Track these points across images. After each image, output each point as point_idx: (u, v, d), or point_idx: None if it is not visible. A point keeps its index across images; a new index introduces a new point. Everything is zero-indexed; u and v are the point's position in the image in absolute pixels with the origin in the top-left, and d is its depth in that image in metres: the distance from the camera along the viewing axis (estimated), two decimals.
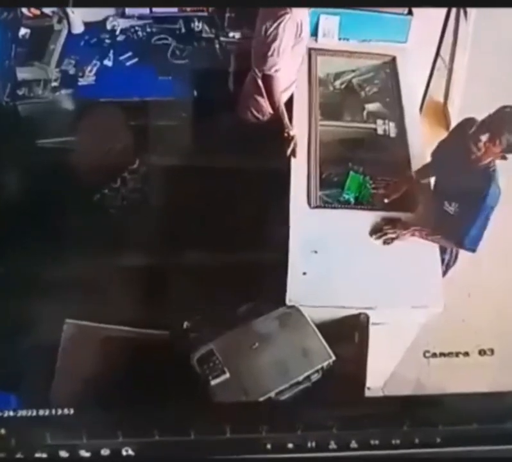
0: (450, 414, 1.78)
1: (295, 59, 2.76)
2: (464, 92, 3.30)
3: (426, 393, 2.00)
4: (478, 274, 2.95)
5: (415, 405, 1.82)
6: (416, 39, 3.11)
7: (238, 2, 2.76)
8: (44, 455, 1.68)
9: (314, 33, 3.15)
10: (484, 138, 2.30)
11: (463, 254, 2.61)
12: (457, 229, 2.44)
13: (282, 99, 2.72)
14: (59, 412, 1.73)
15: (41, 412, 1.73)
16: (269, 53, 2.60)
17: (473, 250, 2.46)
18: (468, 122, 2.42)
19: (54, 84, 3.06)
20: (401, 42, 3.14)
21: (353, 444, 1.74)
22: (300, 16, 2.62)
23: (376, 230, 2.47)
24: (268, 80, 2.67)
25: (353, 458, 1.75)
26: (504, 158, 2.32)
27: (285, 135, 2.63)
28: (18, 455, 1.67)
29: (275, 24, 2.55)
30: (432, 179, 2.58)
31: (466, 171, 2.37)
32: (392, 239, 2.44)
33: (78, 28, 3.26)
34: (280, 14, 2.55)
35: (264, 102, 2.78)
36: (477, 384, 1.94)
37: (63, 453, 1.68)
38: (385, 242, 2.44)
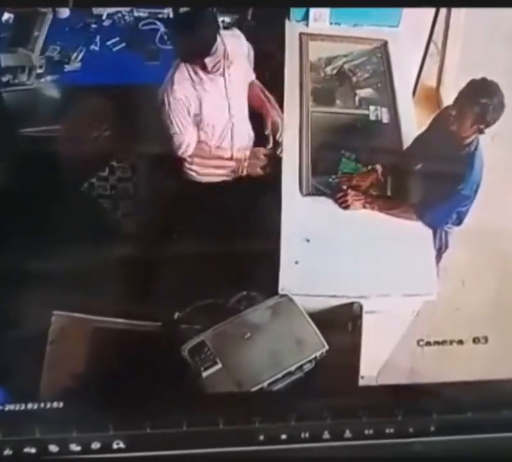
0: (444, 402, 1.78)
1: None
2: (457, 77, 3.29)
3: (420, 381, 2.00)
4: (472, 262, 2.95)
5: (409, 394, 1.82)
6: (408, 23, 3.08)
7: (238, 2, 2.67)
8: (33, 450, 1.66)
9: (305, 17, 3.12)
10: (454, 112, 2.35)
11: (457, 242, 2.61)
12: (424, 203, 2.48)
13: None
14: (49, 405, 1.71)
15: (30, 406, 1.71)
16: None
17: (433, 227, 2.49)
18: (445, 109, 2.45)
19: (39, 70, 3.00)
20: (393, 26, 3.10)
21: (347, 434, 1.74)
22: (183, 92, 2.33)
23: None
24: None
25: (347, 448, 1.75)
26: (481, 132, 2.33)
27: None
28: (7, 451, 1.65)
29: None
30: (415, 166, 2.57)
31: (447, 156, 2.37)
32: (347, 206, 2.48)
33: (63, 13, 3.21)
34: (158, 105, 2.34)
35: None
36: (471, 372, 1.95)
37: (53, 448, 1.66)
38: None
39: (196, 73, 2.25)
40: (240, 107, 2.37)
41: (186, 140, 2.32)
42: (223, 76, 2.30)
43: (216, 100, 2.33)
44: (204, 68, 2.27)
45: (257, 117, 2.45)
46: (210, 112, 2.32)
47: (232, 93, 2.33)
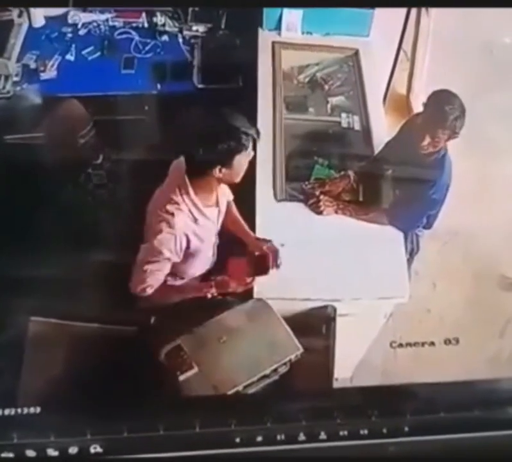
0: (418, 403, 1.79)
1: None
2: (426, 84, 3.34)
3: (393, 382, 2.01)
4: (443, 264, 2.99)
5: (383, 395, 1.83)
6: (379, 32, 3.13)
7: (237, 2, 2.67)
8: (11, 455, 1.66)
9: (278, 26, 3.16)
10: (419, 121, 2.42)
11: (428, 245, 2.64)
12: (395, 208, 2.53)
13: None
14: (26, 411, 1.71)
15: (7, 412, 1.71)
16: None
17: (404, 231, 2.53)
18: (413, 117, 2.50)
19: (15, 79, 3.02)
20: (363, 35, 3.16)
21: (322, 435, 1.74)
22: (182, 229, 2.08)
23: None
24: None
25: (322, 449, 1.76)
26: (448, 139, 2.38)
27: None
28: None
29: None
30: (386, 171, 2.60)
31: (416, 161, 2.41)
32: (320, 211, 2.51)
33: (39, 22, 3.22)
34: (154, 232, 2.05)
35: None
36: (443, 373, 1.97)
37: (30, 453, 1.66)
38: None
39: (198, 209, 2.08)
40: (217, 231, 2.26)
41: (148, 281, 2.10)
42: (218, 206, 2.18)
43: (209, 230, 2.20)
44: (205, 201, 2.11)
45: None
46: (202, 243, 2.16)
47: (219, 220, 2.23)
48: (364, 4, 2.82)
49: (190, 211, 2.09)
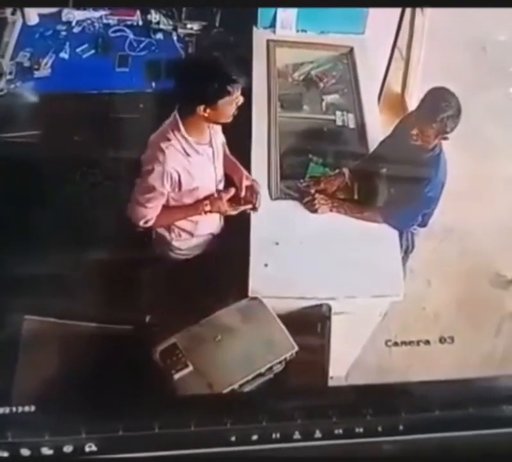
0: (412, 401, 1.79)
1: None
2: (421, 82, 3.34)
3: (388, 381, 2.01)
4: (438, 262, 3.00)
5: (378, 394, 1.83)
6: (374, 30, 3.13)
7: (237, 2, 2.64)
8: (5, 454, 1.65)
9: (272, 24, 3.16)
10: (414, 120, 2.38)
11: (423, 243, 2.64)
12: (390, 206, 2.52)
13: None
14: (21, 409, 1.71)
15: (1, 410, 1.70)
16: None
17: (399, 229, 2.53)
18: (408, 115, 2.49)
19: (9, 77, 3.01)
20: (358, 33, 3.16)
21: (317, 434, 1.74)
22: (172, 165, 2.16)
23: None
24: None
25: (317, 448, 1.76)
26: (443, 138, 2.36)
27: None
28: None
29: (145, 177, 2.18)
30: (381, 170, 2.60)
31: (411, 160, 2.41)
32: (315, 209, 2.52)
33: (33, 20, 3.21)
34: (147, 169, 2.17)
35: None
36: (438, 372, 1.97)
37: (25, 452, 1.65)
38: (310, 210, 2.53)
39: (189, 144, 2.17)
40: (221, 170, 2.35)
41: (149, 215, 2.24)
42: (212, 146, 2.25)
43: (205, 170, 2.27)
44: (197, 139, 2.19)
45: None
46: (193, 179, 2.23)
47: (217, 160, 2.31)
48: (359, 4, 2.81)
49: (182, 147, 2.17)
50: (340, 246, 2.40)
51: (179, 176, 2.20)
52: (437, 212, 2.56)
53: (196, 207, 2.29)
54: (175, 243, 2.42)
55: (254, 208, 2.35)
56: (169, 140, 2.15)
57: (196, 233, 2.41)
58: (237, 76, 2.06)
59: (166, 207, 2.29)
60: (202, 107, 2.08)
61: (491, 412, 1.77)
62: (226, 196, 2.29)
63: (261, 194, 2.36)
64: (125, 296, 2.28)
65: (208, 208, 2.27)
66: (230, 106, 2.10)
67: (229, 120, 2.15)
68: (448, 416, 1.76)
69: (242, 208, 2.33)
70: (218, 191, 2.33)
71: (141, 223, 2.26)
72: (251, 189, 2.35)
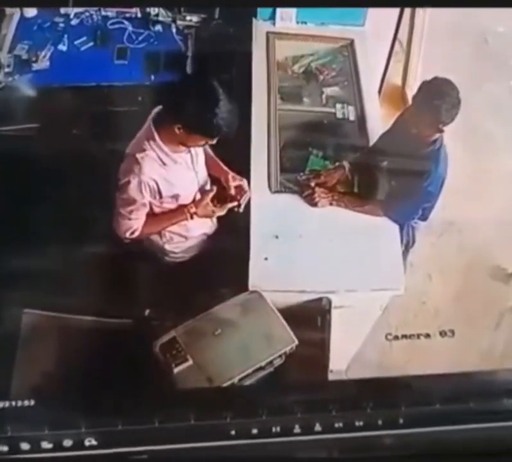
0: (413, 395, 1.80)
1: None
2: (421, 75, 3.33)
3: (388, 374, 2.01)
4: (438, 256, 3.00)
5: (378, 387, 1.83)
6: (374, 22, 3.12)
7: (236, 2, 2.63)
8: (5, 448, 1.65)
9: (272, 16, 3.14)
10: (412, 112, 2.39)
11: (423, 237, 2.64)
12: (390, 200, 2.52)
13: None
14: (20, 403, 1.70)
15: (1, 405, 1.70)
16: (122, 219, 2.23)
17: (399, 223, 2.52)
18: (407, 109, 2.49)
19: (7, 70, 2.99)
20: (358, 25, 3.14)
21: (317, 427, 1.74)
22: (148, 175, 2.15)
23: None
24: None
25: (317, 441, 1.76)
26: (441, 130, 2.35)
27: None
28: None
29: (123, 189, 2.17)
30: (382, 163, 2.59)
31: (412, 153, 2.40)
32: (315, 203, 2.51)
33: (31, 12, 3.19)
34: (124, 181, 2.15)
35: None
36: (438, 365, 1.97)
37: (25, 445, 1.66)
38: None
39: (165, 154, 2.14)
40: (203, 174, 2.33)
41: (134, 226, 2.23)
42: (189, 152, 2.22)
43: (184, 177, 2.25)
44: (173, 148, 2.16)
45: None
46: (172, 187, 2.22)
47: (197, 165, 2.28)
48: (359, 4, 2.80)
49: (158, 157, 2.15)
50: (340, 240, 2.39)
51: (157, 185, 2.18)
52: (438, 205, 2.55)
53: (181, 212, 2.28)
54: (167, 247, 2.41)
55: (239, 206, 2.32)
56: (144, 150, 2.13)
57: (188, 235, 2.40)
58: (224, 120, 2.01)
59: (151, 216, 2.27)
60: (177, 127, 2.06)
61: (491, 406, 1.77)
62: (208, 197, 2.26)
63: (249, 194, 2.33)
64: (124, 290, 2.28)
65: (193, 210, 2.25)
66: (200, 142, 2.12)
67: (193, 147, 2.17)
68: (448, 410, 1.77)
69: (229, 205, 2.30)
70: (201, 192, 2.31)
71: (127, 235, 2.24)
72: (240, 189, 2.32)
